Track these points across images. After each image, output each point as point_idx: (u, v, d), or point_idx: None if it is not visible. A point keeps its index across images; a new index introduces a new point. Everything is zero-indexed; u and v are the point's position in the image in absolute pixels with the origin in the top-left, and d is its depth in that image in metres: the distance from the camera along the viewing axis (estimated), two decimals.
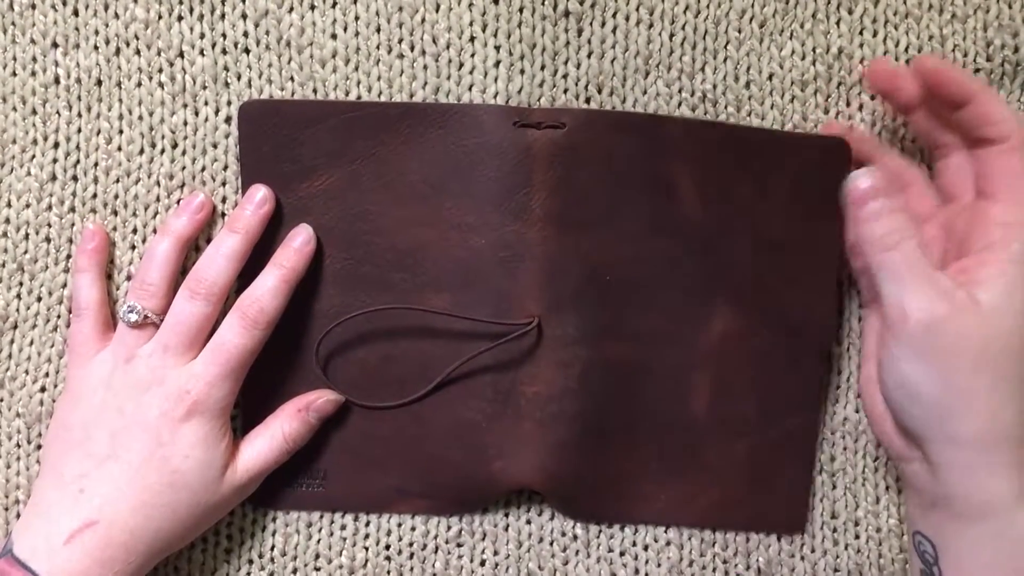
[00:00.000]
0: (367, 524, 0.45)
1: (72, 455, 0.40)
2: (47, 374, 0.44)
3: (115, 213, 0.44)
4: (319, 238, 0.43)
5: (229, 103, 0.44)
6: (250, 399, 0.44)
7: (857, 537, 0.46)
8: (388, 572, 0.45)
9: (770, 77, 0.44)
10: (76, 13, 0.43)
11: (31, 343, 0.44)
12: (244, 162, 0.43)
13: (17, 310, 0.44)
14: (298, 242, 0.42)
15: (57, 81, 0.44)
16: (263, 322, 0.41)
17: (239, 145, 0.43)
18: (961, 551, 0.39)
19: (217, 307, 0.41)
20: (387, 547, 0.45)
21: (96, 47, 0.44)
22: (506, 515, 0.46)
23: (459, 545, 0.45)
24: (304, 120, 0.42)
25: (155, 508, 0.39)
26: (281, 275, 0.41)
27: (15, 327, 0.44)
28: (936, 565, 0.39)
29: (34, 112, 0.44)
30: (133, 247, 0.44)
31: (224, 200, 0.44)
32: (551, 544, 0.45)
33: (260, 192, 0.42)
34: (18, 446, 0.45)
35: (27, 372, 0.44)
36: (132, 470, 0.39)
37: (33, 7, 0.43)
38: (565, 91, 0.44)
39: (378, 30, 0.44)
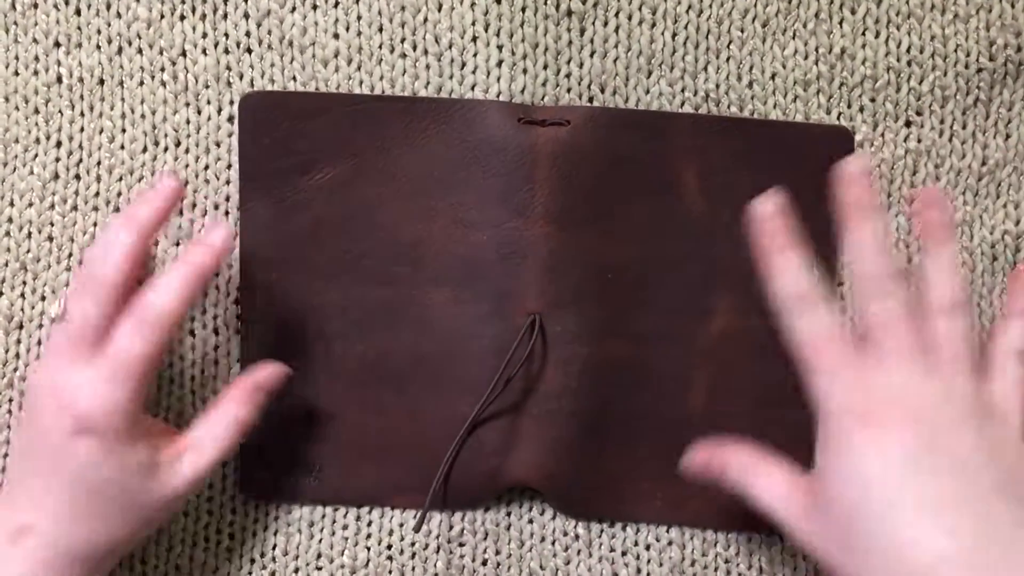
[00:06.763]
0: (369, 524, 0.45)
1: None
2: None
3: (118, 212, 0.44)
4: (320, 230, 0.43)
5: (232, 102, 0.44)
6: None
7: None
8: (390, 571, 0.45)
9: (773, 77, 0.44)
10: (78, 12, 0.43)
11: (39, 342, 0.44)
12: (243, 155, 0.43)
13: (22, 309, 0.44)
14: (212, 238, 0.38)
15: (59, 80, 0.44)
16: (161, 326, 0.37)
17: (238, 137, 0.43)
18: None
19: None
20: (389, 547, 0.45)
21: (98, 46, 0.44)
22: (508, 514, 0.46)
23: (461, 544, 0.45)
24: (307, 112, 0.42)
25: (82, 517, 0.36)
26: (184, 274, 0.37)
27: (21, 327, 0.44)
28: None
29: (36, 111, 0.44)
30: None
31: (227, 199, 0.44)
32: (553, 543, 0.46)
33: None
34: None
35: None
36: (44, 479, 0.37)
37: (35, 6, 0.43)
38: (568, 90, 0.44)
39: (380, 30, 0.44)
